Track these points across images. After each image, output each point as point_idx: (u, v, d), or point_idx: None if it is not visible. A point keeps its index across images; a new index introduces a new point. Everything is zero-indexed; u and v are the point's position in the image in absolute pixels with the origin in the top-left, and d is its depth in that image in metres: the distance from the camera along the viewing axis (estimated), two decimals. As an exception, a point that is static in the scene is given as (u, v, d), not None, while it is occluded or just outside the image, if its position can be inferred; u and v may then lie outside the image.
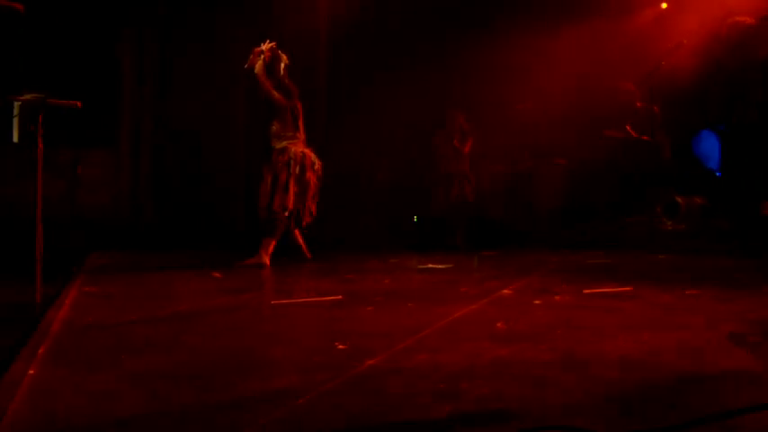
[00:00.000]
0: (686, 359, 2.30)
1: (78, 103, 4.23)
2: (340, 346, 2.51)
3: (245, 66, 5.80)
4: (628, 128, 7.86)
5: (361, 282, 4.62)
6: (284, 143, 5.75)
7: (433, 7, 8.86)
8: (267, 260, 5.59)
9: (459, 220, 7.66)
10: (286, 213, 5.60)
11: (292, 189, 5.64)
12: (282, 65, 5.82)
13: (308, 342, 2.68)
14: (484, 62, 8.23)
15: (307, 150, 5.83)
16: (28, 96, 3.67)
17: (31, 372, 2.15)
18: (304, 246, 5.98)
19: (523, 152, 8.62)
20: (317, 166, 5.83)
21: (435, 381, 2.02)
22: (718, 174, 7.73)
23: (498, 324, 2.90)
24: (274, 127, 5.79)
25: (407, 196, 8.71)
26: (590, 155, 8.10)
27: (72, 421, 1.73)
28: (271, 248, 5.62)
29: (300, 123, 5.86)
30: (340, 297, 3.77)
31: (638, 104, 8.06)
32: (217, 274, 5.09)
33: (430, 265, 5.53)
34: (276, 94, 5.74)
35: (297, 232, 5.92)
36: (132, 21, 8.90)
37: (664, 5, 8.64)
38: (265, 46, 5.78)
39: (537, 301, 3.54)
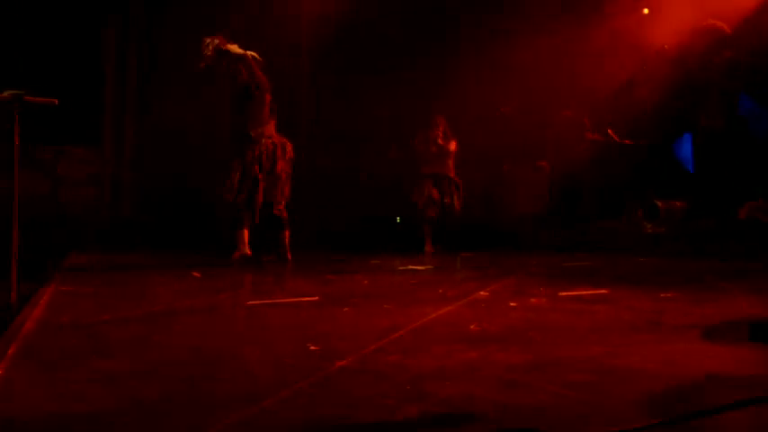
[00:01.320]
0: (655, 362, 2.32)
1: (55, 101, 4.21)
2: (312, 348, 2.52)
3: (202, 64, 5.72)
4: (609, 131, 7.92)
5: (339, 283, 4.63)
6: (258, 131, 5.69)
7: (418, 8, 8.87)
8: (248, 250, 5.61)
9: (432, 225, 7.47)
10: (251, 202, 5.60)
11: (261, 185, 5.63)
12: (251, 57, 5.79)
13: (280, 343, 2.68)
14: (468, 64, 8.26)
15: (278, 140, 5.79)
16: (5, 94, 3.65)
17: (0, 372, 2.14)
18: (287, 246, 5.96)
19: (506, 155, 8.66)
20: (288, 155, 5.81)
21: (403, 382, 2.03)
22: (691, 172, 7.82)
23: (472, 326, 2.91)
24: (248, 114, 5.72)
25: (391, 197, 8.71)
26: (571, 158, 8.14)
27: (38, 421, 1.73)
28: (246, 238, 5.64)
29: (270, 112, 5.82)
30: (317, 298, 3.78)
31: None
32: (196, 274, 5.09)
33: (410, 267, 5.55)
34: (262, 75, 5.73)
35: (287, 233, 5.90)
36: (115, 19, 8.85)
37: (645, 11, 8.70)
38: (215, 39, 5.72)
39: (512, 304, 3.56)
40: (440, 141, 7.56)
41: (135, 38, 9.08)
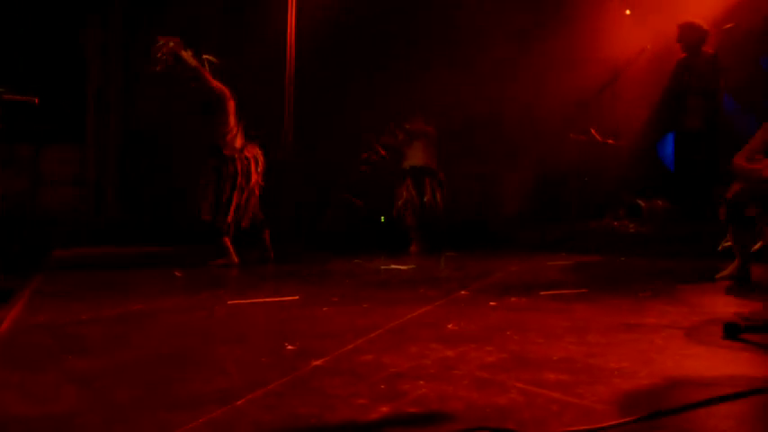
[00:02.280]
0: (631, 360, 2.33)
1: (36, 99, 4.19)
2: (289, 347, 2.52)
3: (155, 67, 5.56)
4: (593, 131, 7.93)
5: (321, 282, 4.62)
6: (230, 147, 5.60)
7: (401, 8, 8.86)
8: (236, 258, 5.59)
9: (417, 226, 7.25)
10: (228, 221, 5.55)
11: (235, 201, 5.56)
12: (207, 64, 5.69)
13: (257, 342, 2.67)
14: (454, 65, 8.27)
15: (251, 152, 5.69)
16: (-18, 92, 3.62)
17: (-29, 372, 2.13)
18: (269, 245, 5.95)
19: (490, 154, 8.66)
20: (261, 167, 5.77)
21: (377, 381, 2.03)
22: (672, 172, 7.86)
23: (450, 325, 2.92)
24: (214, 127, 5.61)
25: (375, 196, 8.69)
26: (555, 157, 8.16)
27: (7, 422, 1.71)
28: (229, 244, 5.61)
29: (238, 120, 5.68)
30: (297, 297, 3.77)
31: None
32: (178, 273, 5.07)
33: (393, 266, 5.54)
34: (218, 85, 5.58)
35: (267, 232, 5.90)
36: (97, 16, 8.80)
37: (627, 12, 8.74)
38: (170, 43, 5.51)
39: (492, 303, 3.57)
40: (420, 129, 7.32)
41: (118, 35, 9.03)
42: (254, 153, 5.75)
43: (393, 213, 7.48)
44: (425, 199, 7.34)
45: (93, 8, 8.88)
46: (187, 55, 5.49)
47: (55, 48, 8.43)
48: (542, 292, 3.95)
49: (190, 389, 2.00)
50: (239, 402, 1.84)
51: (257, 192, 5.75)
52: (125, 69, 9.00)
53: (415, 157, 7.42)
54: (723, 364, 2.33)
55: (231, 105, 5.66)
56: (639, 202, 7.51)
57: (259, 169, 5.74)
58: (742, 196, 4.25)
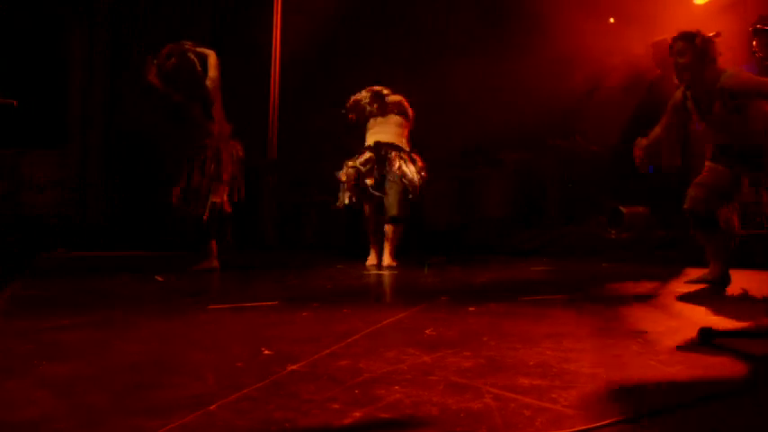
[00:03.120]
0: (605, 365, 2.35)
1: (15, 102, 4.19)
2: (266, 352, 2.52)
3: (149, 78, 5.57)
4: (576, 137, 8.00)
5: (302, 286, 4.63)
6: (202, 139, 5.60)
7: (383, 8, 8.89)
8: (217, 262, 5.59)
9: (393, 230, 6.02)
10: (205, 216, 5.51)
11: (203, 191, 5.53)
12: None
13: (234, 347, 2.67)
14: (437, 71, 8.31)
15: (223, 142, 5.64)
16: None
17: (-55, 378, 2.12)
18: (229, 237, 5.87)
19: (472, 159, 8.71)
20: (236, 156, 5.71)
21: (351, 386, 2.04)
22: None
23: (428, 330, 2.93)
24: (189, 125, 5.63)
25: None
26: (538, 164, 8.22)
27: (-22, 427, 1.71)
28: (216, 249, 5.61)
29: (216, 112, 5.65)
30: (277, 302, 3.77)
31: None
32: (160, 278, 5.06)
33: (375, 271, 5.55)
34: (178, 96, 5.57)
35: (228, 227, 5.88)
36: (80, 18, 8.77)
37: (611, 20, 8.82)
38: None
39: (472, 308, 3.59)
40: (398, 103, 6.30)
41: (103, 36, 9.01)
42: (234, 147, 5.70)
43: (337, 205, 6.26)
44: (394, 172, 6.03)
45: (78, 9, 8.86)
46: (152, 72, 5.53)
47: (36, 50, 8.40)
48: (522, 298, 3.98)
49: (165, 394, 1.99)
50: (212, 407, 1.84)
51: (227, 180, 5.64)
52: (110, 71, 8.99)
53: (384, 132, 6.26)
54: (697, 368, 2.35)
55: (198, 109, 5.64)
56: (621, 208, 7.57)
57: (235, 163, 5.65)
58: (698, 204, 4.28)
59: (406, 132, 6.34)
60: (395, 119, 6.28)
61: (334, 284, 4.74)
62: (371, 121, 6.33)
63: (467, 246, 8.00)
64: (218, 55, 5.70)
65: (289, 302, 3.78)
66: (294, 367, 2.27)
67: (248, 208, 6.22)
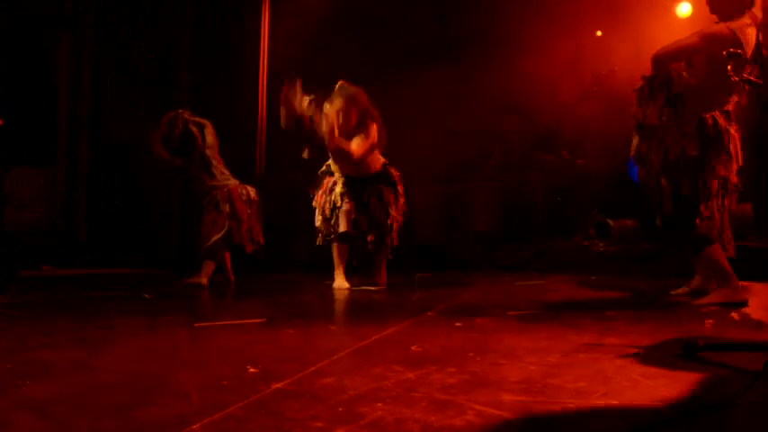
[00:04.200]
0: (589, 380, 2.36)
1: (0, 120, 4.18)
2: (251, 370, 2.51)
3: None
4: (562, 152, 8.04)
5: (289, 304, 4.62)
6: (214, 183, 5.93)
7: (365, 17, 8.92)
8: (206, 281, 5.63)
9: (380, 246, 5.64)
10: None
11: (227, 225, 5.81)
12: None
13: (219, 366, 2.66)
14: (420, 81, 8.34)
15: (234, 185, 5.96)
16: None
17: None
18: (230, 268, 6.04)
19: (458, 173, 8.73)
20: (245, 197, 5.99)
21: (335, 404, 2.04)
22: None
23: (413, 347, 2.93)
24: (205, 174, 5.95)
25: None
26: (525, 177, 8.25)
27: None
28: (210, 270, 5.70)
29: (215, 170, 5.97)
30: (264, 319, 3.76)
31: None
32: (147, 296, 5.04)
33: (363, 287, 5.55)
34: (179, 161, 5.93)
35: (227, 254, 5.97)
36: (67, 34, 8.76)
37: (599, 33, 8.89)
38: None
39: (458, 324, 3.59)
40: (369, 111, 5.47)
41: (90, 53, 9.00)
42: (245, 188, 6.04)
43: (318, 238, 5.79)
44: (368, 203, 5.57)
45: (64, 25, 8.86)
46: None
47: (23, 67, 8.39)
48: (509, 313, 3.98)
49: (147, 414, 1.98)
50: (195, 426, 1.83)
51: (246, 217, 5.96)
52: (96, 87, 8.98)
53: (345, 162, 5.55)
54: (681, 382, 2.35)
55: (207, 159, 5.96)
56: (609, 221, 7.61)
57: (244, 198, 5.99)
58: (670, 216, 4.27)
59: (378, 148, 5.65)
60: (366, 132, 5.46)
61: (322, 301, 4.74)
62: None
63: (454, 260, 8.00)
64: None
65: (276, 320, 3.77)
66: (279, 385, 2.26)
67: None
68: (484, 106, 8.58)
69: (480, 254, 8.12)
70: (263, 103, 8.81)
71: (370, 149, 5.46)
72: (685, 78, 4.17)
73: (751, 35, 4.06)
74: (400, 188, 5.72)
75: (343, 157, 5.45)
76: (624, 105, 8.02)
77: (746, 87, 4.02)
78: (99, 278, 6.62)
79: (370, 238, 5.52)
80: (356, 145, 5.35)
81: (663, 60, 4.24)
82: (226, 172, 6.00)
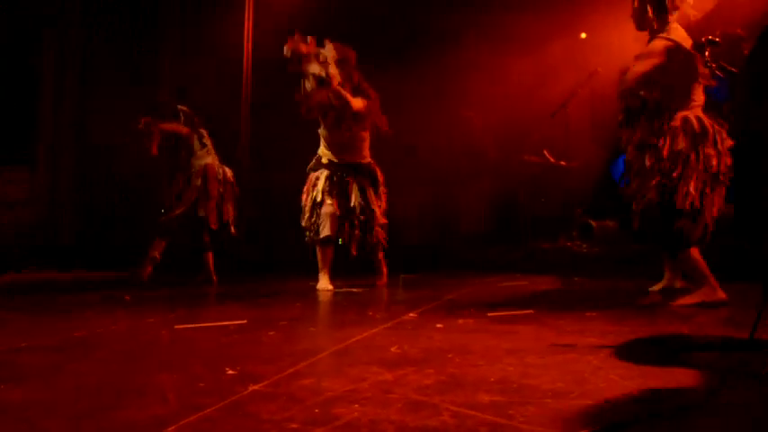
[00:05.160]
0: (566, 381, 2.37)
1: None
2: (230, 372, 2.51)
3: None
4: (545, 152, 8.07)
5: (271, 305, 4.62)
6: (197, 162, 6.19)
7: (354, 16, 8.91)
8: (158, 255, 6.09)
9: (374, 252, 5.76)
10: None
11: (193, 198, 6.08)
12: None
13: (198, 368, 2.66)
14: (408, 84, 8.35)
15: (211, 162, 6.20)
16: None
17: None
18: (212, 268, 6.08)
19: (445, 175, 8.75)
20: (221, 177, 6.21)
21: (312, 405, 2.04)
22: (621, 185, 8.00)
23: (393, 348, 2.93)
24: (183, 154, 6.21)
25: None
26: (510, 179, 8.28)
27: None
28: (161, 248, 6.10)
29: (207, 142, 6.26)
30: (245, 321, 3.76)
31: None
32: (127, 297, 5.02)
33: (346, 289, 5.54)
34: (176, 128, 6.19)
35: (209, 255, 5.99)
36: (50, 34, 8.71)
37: (583, 35, 8.93)
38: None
39: (439, 325, 3.60)
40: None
41: (75, 52, 8.95)
42: (222, 168, 6.29)
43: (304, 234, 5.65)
44: (352, 204, 5.53)
45: (49, 24, 8.81)
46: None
47: (6, 66, 8.33)
48: (489, 314, 4.00)
49: (123, 416, 1.98)
50: (171, 428, 1.83)
51: (216, 196, 6.15)
52: (81, 86, 8.93)
53: (339, 146, 5.52)
54: (656, 382, 2.37)
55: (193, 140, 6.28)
56: (591, 222, 7.64)
57: (220, 177, 6.23)
58: (651, 210, 4.31)
59: (368, 136, 5.62)
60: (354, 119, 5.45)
61: (304, 303, 4.74)
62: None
63: (440, 261, 8.02)
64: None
65: (257, 321, 3.77)
66: (256, 387, 2.26)
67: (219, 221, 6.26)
68: (467, 106, 8.61)
69: (466, 255, 8.14)
70: (247, 101, 8.80)
71: (367, 111, 5.43)
72: (654, 96, 4.29)
73: (683, 36, 4.28)
74: (383, 189, 5.71)
75: (342, 109, 5.32)
76: (607, 106, 8.12)
77: (721, 74, 4.17)
78: (82, 280, 6.58)
79: (353, 245, 5.57)
80: (355, 99, 5.36)
81: (631, 91, 4.39)
82: (210, 148, 6.23)
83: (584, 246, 7.61)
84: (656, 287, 4.96)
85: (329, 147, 5.53)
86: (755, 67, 5.97)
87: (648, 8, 4.31)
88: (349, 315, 4.12)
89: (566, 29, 8.84)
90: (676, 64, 4.16)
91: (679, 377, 2.44)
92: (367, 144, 5.62)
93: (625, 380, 2.40)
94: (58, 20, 8.85)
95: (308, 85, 5.26)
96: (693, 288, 4.33)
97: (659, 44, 4.26)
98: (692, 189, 4.10)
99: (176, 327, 3.70)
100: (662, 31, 4.28)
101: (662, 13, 4.28)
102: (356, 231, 5.51)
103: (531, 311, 4.10)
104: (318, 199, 5.41)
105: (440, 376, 2.42)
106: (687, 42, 4.23)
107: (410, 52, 8.50)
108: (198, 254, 6.24)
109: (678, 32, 4.27)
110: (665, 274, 4.94)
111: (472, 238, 8.64)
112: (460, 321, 3.74)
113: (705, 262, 4.26)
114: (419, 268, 7.45)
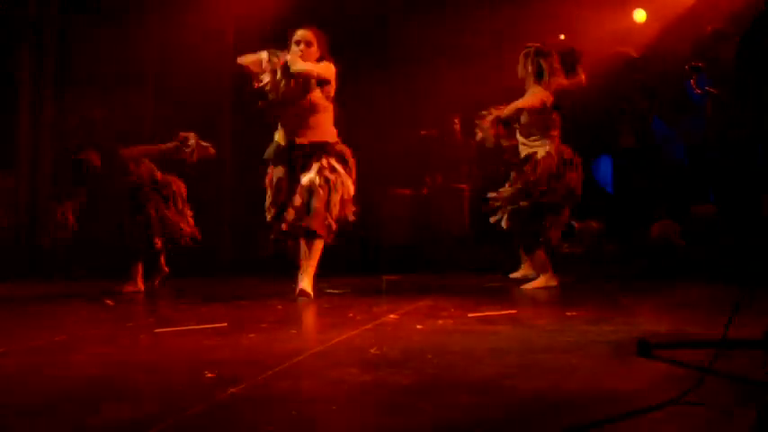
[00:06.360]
0: (544, 380, 2.39)
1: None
2: (209, 375, 2.50)
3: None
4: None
5: (251, 308, 4.60)
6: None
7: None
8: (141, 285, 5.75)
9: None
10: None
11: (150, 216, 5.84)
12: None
13: (177, 371, 2.65)
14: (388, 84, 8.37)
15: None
16: None
17: None
18: (162, 261, 5.99)
19: (425, 176, 8.77)
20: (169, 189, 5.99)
21: (290, 408, 2.04)
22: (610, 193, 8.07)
23: (372, 349, 2.94)
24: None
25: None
26: (493, 179, 8.29)
27: None
28: (139, 271, 5.78)
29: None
30: (225, 324, 3.75)
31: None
32: (109, 302, 4.99)
33: (327, 290, 5.53)
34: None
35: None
36: (29, 35, 8.63)
37: (561, 36, 8.98)
38: None
39: (419, 326, 3.60)
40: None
41: (51, 54, 8.88)
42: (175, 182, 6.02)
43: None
44: (304, 182, 4.96)
45: (28, 25, 8.73)
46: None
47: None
48: (470, 315, 4.01)
49: (100, 420, 1.97)
50: (148, 433, 1.82)
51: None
52: (59, 88, 8.86)
53: (292, 121, 5.05)
54: (634, 381, 2.39)
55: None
56: (573, 222, 7.67)
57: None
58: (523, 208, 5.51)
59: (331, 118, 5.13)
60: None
61: (284, 305, 4.72)
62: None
63: (423, 263, 8.03)
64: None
65: (237, 324, 3.76)
66: (235, 390, 2.26)
67: (200, 218, 6.20)
68: (447, 109, 8.64)
69: (449, 256, 8.15)
70: (228, 102, 8.78)
71: (329, 77, 4.96)
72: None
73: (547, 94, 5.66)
74: (352, 162, 5.07)
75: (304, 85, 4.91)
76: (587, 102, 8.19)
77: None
78: (63, 285, 6.54)
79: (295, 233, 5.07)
80: (316, 66, 4.90)
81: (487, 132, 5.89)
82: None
83: (566, 245, 7.64)
84: (516, 274, 6.36)
85: (286, 126, 5.10)
86: (741, 66, 6.05)
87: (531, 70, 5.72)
88: (330, 317, 4.12)
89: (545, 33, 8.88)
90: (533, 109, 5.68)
91: (656, 377, 2.46)
92: (329, 121, 5.11)
93: (604, 378, 2.42)
94: (37, 22, 8.78)
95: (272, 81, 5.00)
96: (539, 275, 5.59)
97: (536, 97, 5.65)
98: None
99: (156, 330, 3.68)
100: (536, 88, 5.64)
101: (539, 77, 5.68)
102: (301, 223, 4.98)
103: (512, 312, 4.12)
104: (269, 192, 5.19)
105: (419, 377, 2.42)
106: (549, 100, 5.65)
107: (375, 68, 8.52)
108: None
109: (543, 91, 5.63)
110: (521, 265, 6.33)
111: (455, 239, 8.65)
112: (440, 322, 3.75)
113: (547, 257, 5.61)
114: (403, 269, 7.45)
